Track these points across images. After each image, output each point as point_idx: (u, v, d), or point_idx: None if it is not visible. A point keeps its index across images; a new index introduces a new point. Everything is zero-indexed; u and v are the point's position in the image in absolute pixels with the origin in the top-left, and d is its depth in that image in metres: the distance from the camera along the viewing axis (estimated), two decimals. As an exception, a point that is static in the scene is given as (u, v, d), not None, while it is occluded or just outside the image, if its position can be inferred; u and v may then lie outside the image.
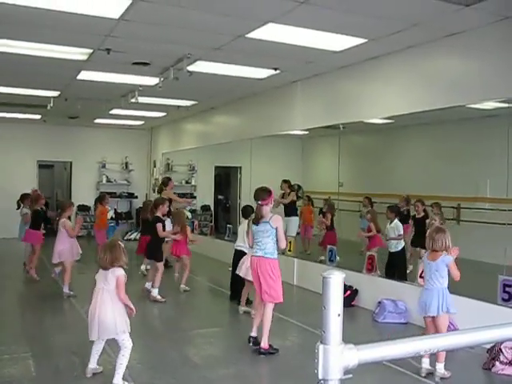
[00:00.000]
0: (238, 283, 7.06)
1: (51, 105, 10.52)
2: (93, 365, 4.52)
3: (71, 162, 15.81)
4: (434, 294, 4.58)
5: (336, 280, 1.34)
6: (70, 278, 7.65)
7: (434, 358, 4.57)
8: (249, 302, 6.80)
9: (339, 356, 1.32)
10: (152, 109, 12.17)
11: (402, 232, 7.46)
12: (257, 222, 5.33)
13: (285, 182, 10.29)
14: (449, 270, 4.59)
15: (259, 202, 5.32)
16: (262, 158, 11.10)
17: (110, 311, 4.22)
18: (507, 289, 5.36)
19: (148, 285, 7.83)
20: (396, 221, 7.49)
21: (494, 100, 5.92)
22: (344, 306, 1.35)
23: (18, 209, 9.97)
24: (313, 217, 10.75)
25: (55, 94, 10.16)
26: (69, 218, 7.93)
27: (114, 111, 12.30)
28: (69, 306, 7.33)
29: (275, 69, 7.97)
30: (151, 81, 8.64)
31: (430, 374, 4.61)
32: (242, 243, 7.01)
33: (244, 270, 6.57)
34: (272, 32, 6.07)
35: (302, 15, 5.43)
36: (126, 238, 14.60)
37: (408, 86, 6.80)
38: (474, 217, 8.56)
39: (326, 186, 9.70)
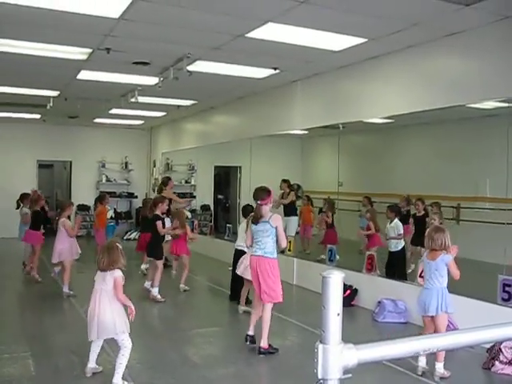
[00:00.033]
0: (238, 283, 7.06)
1: (51, 104, 10.52)
2: (92, 364, 4.52)
3: (71, 162, 15.80)
4: (434, 293, 4.58)
5: (335, 279, 1.34)
6: (69, 278, 7.65)
7: (430, 356, 4.56)
8: (248, 302, 6.79)
9: (339, 355, 1.32)
10: (152, 108, 12.17)
11: (401, 231, 7.47)
12: (256, 221, 5.33)
13: (284, 181, 10.30)
14: (448, 269, 4.59)
15: (258, 202, 5.32)
16: (261, 157, 11.10)
17: (108, 311, 4.24)
18: (507, 288, 5.36)
19: (147, 284, 7.83)
20: (396, 220, 7.49)
21: (493, 100, 5.92)
22: (344, 306, 1.35)
23: (17, 208, 9.98)
24: (312, 216, 10.75)
25: (55, 93, 10.16)
26: (68, 217, 7.93)
27: (114, 111, 12.30)
28: (68, 305, 7.33)
29: (275, 68, 7.97)
30: (151, 80, 8.63)
31: (427, 373, 4.61)
32: (242, 243, 7.00)
33: (242, 268, 6.57)
34: (272, 31, 6.06)
35: (301, 15, 5.43)
36: (125, 238, 14.61)
37: (408, 85, 6.80)
38: (474, 216, 8.57)
39: (326, 185, 9.71)
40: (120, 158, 16.11)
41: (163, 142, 15.67)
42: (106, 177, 15.89)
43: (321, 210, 9.96)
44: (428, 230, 4.83)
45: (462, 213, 8.81)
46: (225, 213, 14.37)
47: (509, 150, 5.76)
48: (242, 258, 6.70)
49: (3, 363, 4.84)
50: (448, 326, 4.93)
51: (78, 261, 8.61)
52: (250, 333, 5.50)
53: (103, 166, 15.84)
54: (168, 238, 8.38)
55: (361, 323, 6.77)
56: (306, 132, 9.88)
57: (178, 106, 11.77)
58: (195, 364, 5.07)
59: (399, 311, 6.48)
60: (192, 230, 10.18)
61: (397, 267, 7.41)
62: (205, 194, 14.30)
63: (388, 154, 10.41)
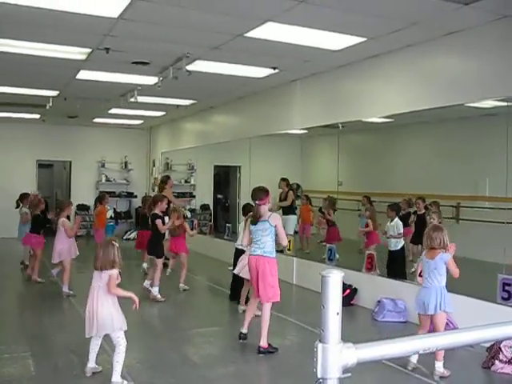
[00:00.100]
0: (238, 283, 7.06)
1: (50, 104, 10.52)
2: (92, 364, 4.53)
3: (70, 162, 15.79)
4: (432, 292, 4.58)
5: (335, 279, 1.34)
6: (69, 278, 7.65)
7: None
8: (248, 302, 6.79)
9: (338, 355, 1.33)
10: (151, 108, 12.16)
11: (401, 230, 7.47)
12: (255, 221, 5.34)
13: (283, 180, 10.31)
14: (447, 268, 4.60)
15: (257, 202, 5.33)
16: (261, 157, 11.10)
17: (106, 308, 4.30)
18: (507, 287, 5.36)
19: (147, 283, 7.82)
20: (396, 219, 7.50)
21: (492, 99, 5.92)
22: (343, 305, 1.35)
23: (17, 208, 9.99)
24: (312, 215, 10.76)
25: (54, 93, 10.15)
26: (68, 217, 7.92)
27: (113, 110, 12.29)
28: (68, 305, 7.33)
29: (274, 68, 7.97)
30: (150, 80, 8.63)
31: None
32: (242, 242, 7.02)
33: (239, 267, 6.58)
34: (271, 31, 6.06)
35: (300, 14, 5.43)
36: (125, 238, 14.61)
37: (407, 84, 6.80)
38: (474, 215, 8.57)
39: (325, 185, 9.71)
40: (119, 158, 16.10)
41: (163, 141, 15.66)
42: (106, 176, 15.88)
43: (320, 210, 9.95)
44: (426, 229, 4.85)
45: (462, 212, 8.81)
46: (224, 212, 14.36)
47: (508, 149, 5.75)
48: (241, 257, 6.70)
49: (3, 363, 4.84)
50: (448, 325, 4.94)
51: (78, 261, 8.61)
52: (244, 331, 5.59)
53: (103, 165, 15.83)
54: (167, 236, 8.39)
55: (360, 322, 6.77)
56: (305, 131, 9.88)
57: (178, 106, 11.77)
58: (195, 363, 5.07)
59: (399, 310, 6.48)
60: (191, 230, 10.20)
61: (396, 266, 7.42)
62: (204, 194, 14.30)
63: (387, 154, 10.41)
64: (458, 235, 6.29)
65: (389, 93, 7.07)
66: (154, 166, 16.07)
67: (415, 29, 5.89)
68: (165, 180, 10.17)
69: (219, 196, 14.51)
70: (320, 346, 1.34)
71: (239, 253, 7.00)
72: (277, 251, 5.51)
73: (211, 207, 14.15)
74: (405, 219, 7.95)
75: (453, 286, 4.75)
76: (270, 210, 5.53)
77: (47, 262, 8.77)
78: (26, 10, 5.38)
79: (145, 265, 9.21)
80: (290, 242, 8.68)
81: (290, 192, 10.29)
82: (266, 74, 8.37)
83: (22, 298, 8.03)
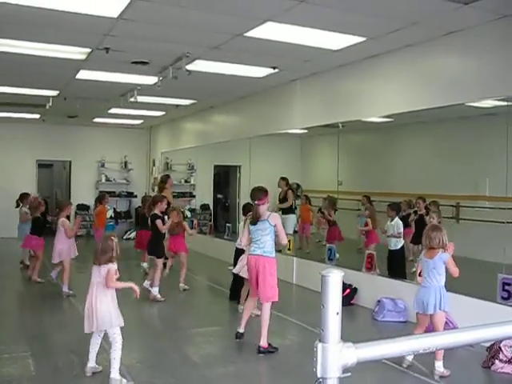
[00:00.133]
0: (238, 282, 7.06)
1: (50, 104, 10.52)
2: (92, 363, 4.53)
3: (70, 162, 15.79)
4: (431, 292, 4.59)
5: (335, 278, 1.35)
6: (69, 278, 7.65)
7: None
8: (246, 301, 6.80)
9: (338, 354, 1.33)
10: (151, 108, 12.16)
11: (401, 230, 7.47)
12: (255, 222, 5.34)
13: (282, 179, 10.31)
14: (447, 268, 4.60)
15: (256, 202, 5.33)
16: (261, 156, 11.10)
17: (104, 304, 4.34)
18: (506, 287, 5.36)
19: (147, 283, 7.82)
20: (396, 219, 7.49)
21: (492, 98, 5.91)
22: (343, 305, 1.36)
23: (17, 207, 9.99)
24: (311, 215, 10.76)
25: (54, 93, 10.15)
26: (67, 217, 7.92)
27: (113, 110, 12.29)
28: (68, 305, 7.34)
29: (274, 68, 7.97)
30: (150, 80, 8.63)
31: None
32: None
33: (239, 266, 6.58)
34: (271, 31, 6.06)
35: (300, 14, 5.43)
36: (125, 238, 14.61)
37: (407, 84, 6.79)
38: (474, 215, 8.56)
39: (325, 184, 9.71)
40: (119, 158, 16.10)
41: (162, 141, 15.66)
42: (106, 176, 15.88)
43: (320, 210, 9.95)
44: (425, 228, 4.85)
45: (462, 212, 8.81)
46: (224, 212, 14.36)
47: (508, 149, 5.75)
48: (241, 257, 6.70)
49: (3, 363, 4.84)
50: (448, 324, 4.94)
51: (78, 261, 8.61)
52: (241, 330, 5.61)
53: (103, 165, 15.83)
54: (167, 236, 8.39)
55: (360, 322, 6.77)
56: (305, 131, 9.88)
57: (177, 106, 11.77)
58: (195, 363, 5.07)
59: (399, 310, 6.48)
60: (191, 229, 10.20)
61: (396, 266, 7.42)
62: (204, 194, 14.29)
63: (387, 153, 10.41)
64: (459, 235, 6.30)
65: (389, 92, 7.07)
66: (153, 165, 16.07)
67: (415, 29, 5.89)
68: (164, 179, 10.16)
69: (219, 196, 14.51)
70: (320, 345, 1.34)
71: (239, 252, 7.00)
72: (276, 251, 5.51)
73: (211, 207, 14.14)
74: (405, 220, 7.95)
75: (453, 285, 4.75)
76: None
77: (47, 263, 8.77)
78: (26, 10, 5.38)
79: (145, 264, 9.21)
80: (289, 241, 8.68)
81: (290, 191, 10.29)
82: (265, 74, 8.37)
83: (21, 298, 8.03)
